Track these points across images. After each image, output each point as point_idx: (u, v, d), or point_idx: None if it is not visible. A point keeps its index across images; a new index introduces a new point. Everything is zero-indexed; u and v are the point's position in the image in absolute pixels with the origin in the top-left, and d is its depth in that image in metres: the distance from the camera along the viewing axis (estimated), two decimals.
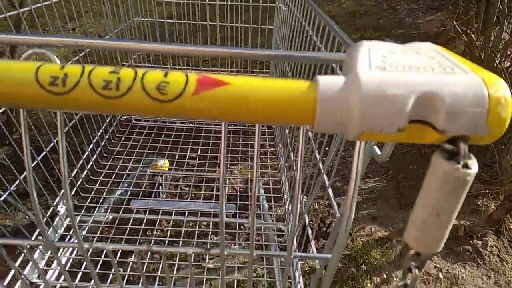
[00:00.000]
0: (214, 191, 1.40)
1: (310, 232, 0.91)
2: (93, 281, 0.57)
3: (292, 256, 0.53)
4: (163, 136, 1.52)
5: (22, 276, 0.90)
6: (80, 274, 1.01)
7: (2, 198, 0.89)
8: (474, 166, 0.26)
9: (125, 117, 1.57)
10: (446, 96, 0.25)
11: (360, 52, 0.29)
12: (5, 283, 0.92)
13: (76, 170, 1.18)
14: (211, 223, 1.33)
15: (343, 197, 1.20)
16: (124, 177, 1.35)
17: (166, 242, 1.41)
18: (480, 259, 1.69)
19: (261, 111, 0.27)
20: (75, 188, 1.19)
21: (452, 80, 0.26)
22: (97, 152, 1.30)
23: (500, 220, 1.76)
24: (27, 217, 1.69)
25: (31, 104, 0.26)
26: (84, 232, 1.16)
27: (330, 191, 0.75)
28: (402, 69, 0.27)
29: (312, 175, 0.87)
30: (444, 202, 0.28)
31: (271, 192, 1.36)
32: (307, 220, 0.94)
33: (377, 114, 0.26)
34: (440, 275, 1.63)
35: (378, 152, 0.50)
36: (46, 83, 0.26)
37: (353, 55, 0.29)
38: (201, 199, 1.35)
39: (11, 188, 0.92)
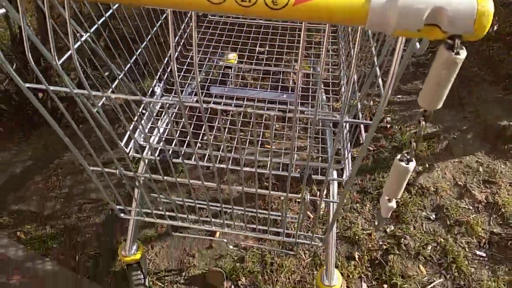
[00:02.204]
0: (280, 82, 1.59)
1: (360, 115, 1.10)
2: (188, 137, 0.82)
3: (344, 120, 0.73)
4: (235, 31, 1.68)
5: (135, 136, 1.20)
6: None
7: (120, 76, 1.15)
8: (463, 54, 0.43)
9: (202, 13, 1.74)
10: (449, 9, 0.41)
11: None
12: (123, 143, 1.23)
13: (166, 59, 1.41)
14: (277, 109, 1.55)
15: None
16: (203, 67, 1.57)
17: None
18: None
19: (333, 13, 0.44)
20: (166, 75, 1.43)
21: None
22: (181, 44, 1.51)
23: None
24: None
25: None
26: (175, 110, 1.44)
27: (380, 81, 0.91)
28: None
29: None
30: (442, 76, 0.46)
31: (330, 86, 1.52)
32: (359, 106, 1.12)
33: (407, 19, 0.43)
34: (480, 169, 1.79)
35: (418, 46, 0.66)
36: None
37: None
38: (268, 89, 1.56)
39: (125, 69, 1.17)
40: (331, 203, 1.23)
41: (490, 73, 2.16)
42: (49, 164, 1.92)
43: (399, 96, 2.14)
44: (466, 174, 1.78)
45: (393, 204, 0.67)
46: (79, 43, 0.95)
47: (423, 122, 0.53)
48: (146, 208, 1.16)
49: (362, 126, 1.64)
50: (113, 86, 1.07)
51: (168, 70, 1.45)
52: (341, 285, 1.46)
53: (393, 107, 2.07)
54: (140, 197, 1.25)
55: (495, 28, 2.24)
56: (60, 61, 0.75)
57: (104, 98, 0.94)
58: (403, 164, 0.59)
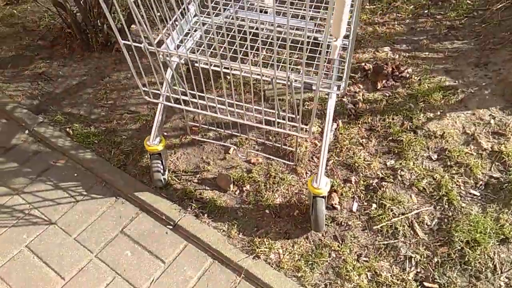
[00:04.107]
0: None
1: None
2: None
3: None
4: None
5: (165, 43, 1.42)
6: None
7: None
8: None
9: None
10: None
11: None
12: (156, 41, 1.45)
13: None
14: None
15: None
16: None
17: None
18: None
19: None
20: None
21: None
22: None
23: None
24: None
25: None
26: (204, 27, 1.65)
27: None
28: None
29: None
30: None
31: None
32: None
33: None
34: (492, 121, 1.84)
35: None
36: None
37: None
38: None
39: None
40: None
41: None
42: (99, 81, 2.22)
43: (426, 52, 2.20)
44: (477, 125, 1.84)
45: (336, 43, 0.82)
46: None
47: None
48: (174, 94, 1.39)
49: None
50: None
51: None
52: (334, 196, 1.61)
53: (418, 61, 2.14)
54: (168, 83, 1.46)
55: None
56: None
57: None
58: None
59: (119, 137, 1.92)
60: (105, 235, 1.57)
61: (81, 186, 1.74)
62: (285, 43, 1.68)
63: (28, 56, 2.41)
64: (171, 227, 1.59)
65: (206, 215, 1.62)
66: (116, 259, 1.50)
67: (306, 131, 1.28)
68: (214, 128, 1.86)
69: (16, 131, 1.98)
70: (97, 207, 1.66)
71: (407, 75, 2.05)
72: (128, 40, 1.26)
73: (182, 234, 1.57)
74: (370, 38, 2.33)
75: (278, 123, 1.29)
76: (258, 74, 1.17)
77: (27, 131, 1.98)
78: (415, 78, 2.04)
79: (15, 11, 2.73)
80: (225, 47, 1.24)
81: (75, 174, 1.78)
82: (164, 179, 1.70)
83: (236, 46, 1.20)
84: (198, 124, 1.91)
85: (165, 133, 1.93)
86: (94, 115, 2.04)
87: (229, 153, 1.83)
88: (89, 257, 1.51)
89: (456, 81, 2.02)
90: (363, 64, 2.11)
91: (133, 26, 2.31)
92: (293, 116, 1.30)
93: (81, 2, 2.15)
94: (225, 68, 1.25)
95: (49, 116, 2.04)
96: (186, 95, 1.36)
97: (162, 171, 1.66)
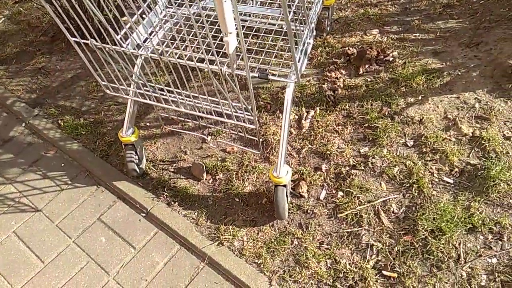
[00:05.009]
0: None
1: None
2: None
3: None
4: None
5: (132, 36, 1.46)
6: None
7: None
8: None
9: None
10: None
11: None
12: (119, 36, 1.49)
13: None
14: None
15: None
16: None
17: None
18: None
19: None
20: None
21: None
22: None
23: None
24: None
25: None
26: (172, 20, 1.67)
27: None
28: None
29: None
30: None
31: None
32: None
33: None
34: (477, 105, 1.75)
35: None
36: None
37: None
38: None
39: None
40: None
41: None
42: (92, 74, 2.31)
43: (417, 33, 2.11)
44: (460, 109, 1.76)
45: (227, 38, 0.83)
46: None
47: None
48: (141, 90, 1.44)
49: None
50: None
51: None
52: (302, 184, 1.61)
53: (405, 43, 2.06)
54: (136, 77, 1.52)
55: None
56: None
57: None
58: None
59: (105, 128, 2.01)
60: (83, 222, 1.67)
61: (66, 176, 1.85)
62: (250, 32, 1.69)
63: (31, 52, 2.54)
64: (144, 214, 1.66)
65: (177, 203, 1.68)
66: (91, 245, 1.60)
67: (251, 122, 1.29)
68: (187, 119, 1.90)
69: (14, 124, 2.12)
70: (79, 196, 1.76)
71: (391, 59, 1.98)
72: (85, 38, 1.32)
73: (153, 221, 1.64)
74: (360, 21, 2.26)
75: (229, 114, 1.31)
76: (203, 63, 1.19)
77: (23, 124, 2.11)
78: (400, 61, 1.97)
79: (21, 9, 2.87)
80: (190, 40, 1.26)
81: (62, 164, 1.90)
82: (141, 168, 1.77)
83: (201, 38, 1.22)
84: (168, 115, 1.94)
85: (147, 123, 1.99)
86: (84, 107, 2.14)
87: (206, 143, 1.87)
88: (67, 243, 1.62)
89: (444, 63, 1.93)
90: (346, 48, 2.06)
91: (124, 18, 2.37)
92: (245, 107, 1.31)
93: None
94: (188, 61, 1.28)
95: (44, 109, 2.16)
96: (154, 90, 1.41)
97: (136, 161, 1.73)
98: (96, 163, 1.85)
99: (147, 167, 1.81)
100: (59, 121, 2.08)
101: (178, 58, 1.24)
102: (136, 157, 1.73)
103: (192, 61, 1.17)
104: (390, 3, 2.34)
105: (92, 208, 1.71)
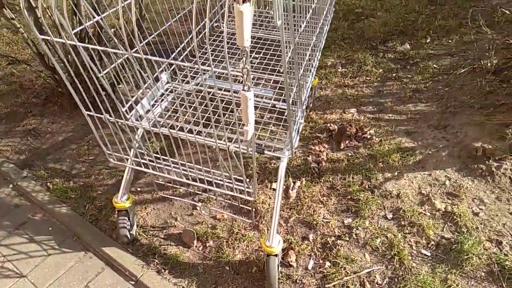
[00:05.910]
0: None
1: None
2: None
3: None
4: None
5: (135, 109, 1.57)
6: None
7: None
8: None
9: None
10: None
11: None
12: (124, 108, 1.60)
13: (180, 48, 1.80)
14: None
15: None
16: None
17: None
18: (490, 177, 1.92)
19: None
20: (173, 66, 1.81)
21: None
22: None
23: None
24: None
25: None
26: (174, 94, 1.81)
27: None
28: None
29: None
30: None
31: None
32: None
33: None
34: (447, 182, 1.93)
35: None
36: None
37: None
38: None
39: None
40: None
41: (478, 101, 2.28)
42: (84, 137, 2.37)
43: (390, 114, 2.34)
44: (432, 186, 1.93)
45: (247, 128, 0.95)
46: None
47: (245, 58, 0.82)
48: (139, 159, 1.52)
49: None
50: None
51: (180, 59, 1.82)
52: (290, 254, 1.68)
53: (381, 123, 2.28)
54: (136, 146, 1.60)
55: (494, 62, 2.39)
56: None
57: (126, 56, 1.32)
58: (245, 92, 0.88)
59: (95, 192, 2.04)
60: None
61: (53, 240, 1.83)
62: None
63: (22, 113, 2.59)
64: (133, 282, 1.66)
65: (167, 271, 1.69)
66: None
67: (249, 194, 1.38)
68: (177, 186, 1.96)
69: (2, 185, 2.11)
70: (66, 261, 1.75)
71: (369, 136, 2.17)
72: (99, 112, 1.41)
73: None
74: (339, 100, 2.48)
75: (227, 186, 1.41)
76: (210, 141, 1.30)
77: (11, 185, 2.11)
78: (376, 139, 2.17)
79: (15, 71, 2.96)
80: (190, 113, 1.38)
81: (50, 228, 1.89)
82: (132, 234, 1.79)
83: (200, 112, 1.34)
84: (164, 182, 2.01)
85: (138, 189, 2.04)
86: (75, 170, 2.18)
87: (197, 209, 1.93)
88: None
89: (416, 143, 2.14)
90: (328, 124, 2.25)
91: (120, 85, 2.49)
92: (241, 178, 1.41)
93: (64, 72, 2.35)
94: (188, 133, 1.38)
95: (33, 171, 2.18)
96: (151, 159, 1.49)
97: (128, 227, 1.76)
98: (85, 228, 1.86)
99: (137, 233, 1.84)
100: (48, 184, 2.09)
101: (188, 132, 1.35)
102: (129, 223, 1.76)
103: (201, 136, 1.28)
104: (365, 85, 2.60)
105: (80, 275, 1.70)
